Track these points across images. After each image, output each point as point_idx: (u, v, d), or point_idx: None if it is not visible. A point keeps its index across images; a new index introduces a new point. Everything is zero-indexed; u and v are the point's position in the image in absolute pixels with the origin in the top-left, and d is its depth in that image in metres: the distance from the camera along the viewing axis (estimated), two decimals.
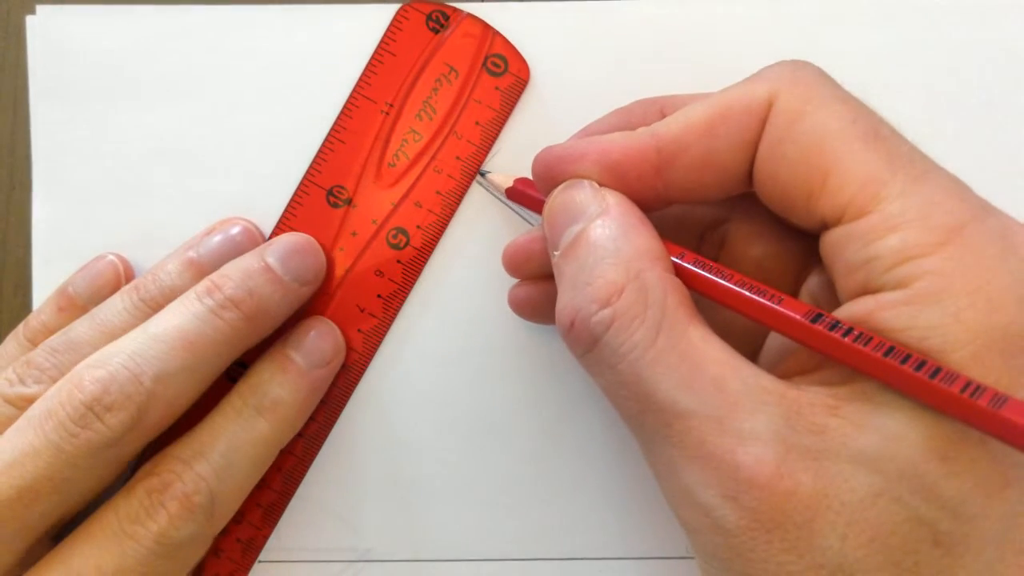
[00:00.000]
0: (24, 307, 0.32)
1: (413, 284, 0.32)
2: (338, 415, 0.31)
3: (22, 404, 0.27)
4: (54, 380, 0.28)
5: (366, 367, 0.32)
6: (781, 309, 0.22)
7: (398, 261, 0.32)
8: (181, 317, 0.27)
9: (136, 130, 0.32)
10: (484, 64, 0.32)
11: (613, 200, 0.25)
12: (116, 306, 0.29)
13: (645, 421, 0.23)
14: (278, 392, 0.29)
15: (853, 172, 0.22)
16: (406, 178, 0.32)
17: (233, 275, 0.29)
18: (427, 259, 0.32)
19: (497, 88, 0.32)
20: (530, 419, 0.31)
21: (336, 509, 0.31)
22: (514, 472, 0.31)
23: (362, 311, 0.31)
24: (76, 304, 0.30)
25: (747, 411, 0.21)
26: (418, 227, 0.32)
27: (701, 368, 0.22)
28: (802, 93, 0.23)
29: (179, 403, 0.27)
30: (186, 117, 0.32)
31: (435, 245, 0.32)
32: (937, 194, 0.21)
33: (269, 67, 0.32)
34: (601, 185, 0.25)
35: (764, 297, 0.22)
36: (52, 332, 0.30)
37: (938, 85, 0.32)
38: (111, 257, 0.31)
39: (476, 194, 0.32)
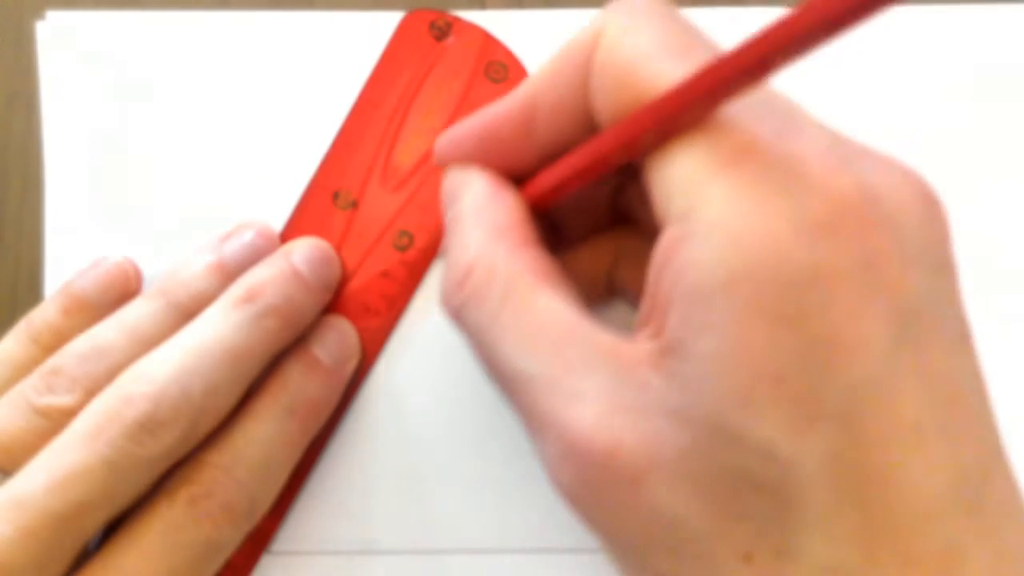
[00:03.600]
0: (38, 304, 0.32)
1: (418, 285, 0.32)
2: (344, 412, 0.32)
3: (55, 415, 0.27)
4: (86, 389, 0.27)
5: (372, 365, 0.32)
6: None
7: (403, 263, 0.32)
8: (223, 328, 0.28)
9: (146, 133, 0.33)
10: (485, 71, 0.32)
11: (476, 183, 0.25)
12: (144, 311, 0.29)
13: (502, 391, 0.23)
14: (310, 391, 0.29)
15: (659, 92, 0.21)
16: (410, 182, 0.32)
17: (269, 282, 0.29)
18: (431, 260, 0.32)
19: (498, 95, 0.32)
20: None
21: (343, 501, 0.32)
22: (519, 465, 0.32)
23: (368, 311, 0.32)
24: (84, 306, 0.30)
25: (580, 372, 0.21)
26: (422, 229, 0.32)
27: (541, 333, 0.22)
28: (622, 21, 0.22)
29: (224, 413, 0.28)
30: (196, 121, 0.33)
31: (439, 247, 0.32)
32: (738, 108, 0.20)
33: (278, 71, 0.33)
34: (481, 158, 0.26)
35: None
36: (58, 333, 0.30)
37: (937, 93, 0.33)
38: (116, 258, 0.32)
39: None
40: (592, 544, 0.32)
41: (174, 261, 0.31)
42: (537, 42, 0.33)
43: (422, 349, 0.32)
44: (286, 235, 0.32)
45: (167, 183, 0.32)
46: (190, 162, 0.33)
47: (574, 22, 0.33)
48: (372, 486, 0.32)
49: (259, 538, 0.31)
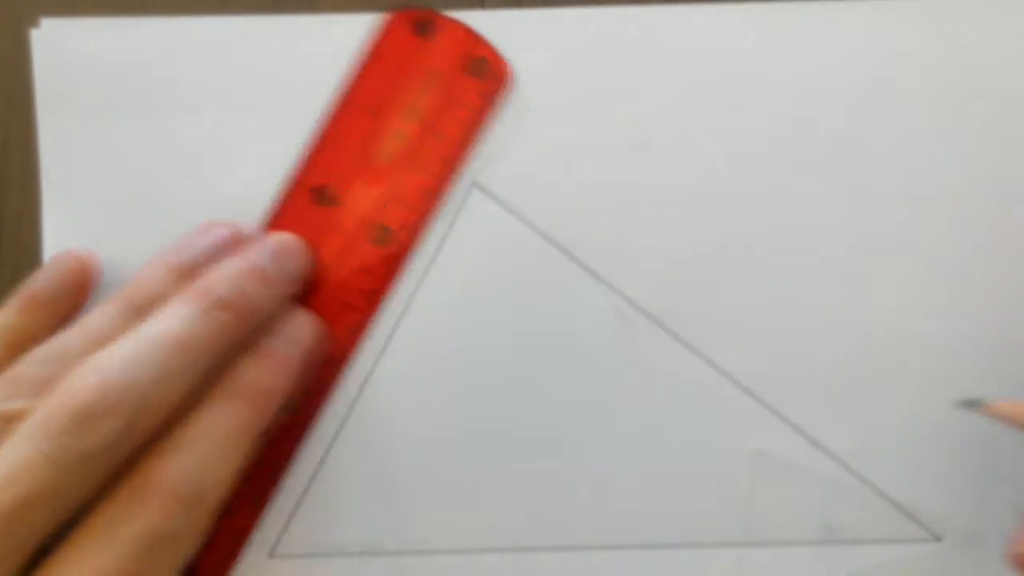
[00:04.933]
0: None
1: (396, 280, 0.32)
2: (319, 405, 0.32)
3: (15, 419, 0.27)
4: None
5: (349, 360, 0.32)
6: None
7: (382, 258, 0.32)
8: (173, 320, 0.27)
9: (142, 138, 0.33)
10: (466, 68, 0.32)
11: None
12: (106, 314, 0.29)
13: None
14: (252, 376, 0.29)
15: None
16: (390, 177, 0.32)
17: (223, 276, 0.29)
18: (411, 256, 0.32)
19: (479, 91, 0.32)
20: (530, 409, 0.32)
21: (347, 503, 0.32)
22: (518, 463, 0.32)
23: (347, 306, 0.32)
24: (39, 303, 0.31)
25: None
26: (402, 225, 0.32)
27: None
28: None
29: (172, 405, 0.27)
30: (191, 124, 0.33)
31: (418, 242, 0.32)
32: None
33: (272, 74, 0.33)
34: None
35: None
36: (17, 334, 0.30)
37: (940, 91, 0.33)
38: (74, 252, 0.32)
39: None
40: (593, 542, 0.32)
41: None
42: (537, 42, 0.33)
43: (423, 350, 0.33)
44: (267, 232, 0.32)
45: (163, 187, 0.33)
46: (187, 165, 0.33)
47: (574, 22, 0.33)
48: (373, 487, 0.32)
49: (236, 535, 0.31)
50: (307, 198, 0.32)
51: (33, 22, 0.33)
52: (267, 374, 0.29)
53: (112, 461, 0.26)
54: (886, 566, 0.32)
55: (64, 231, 0.33)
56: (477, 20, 0.33)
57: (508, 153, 0.33)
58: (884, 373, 0.33)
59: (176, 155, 0.33)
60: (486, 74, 0.33)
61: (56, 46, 0.33)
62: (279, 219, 0.32)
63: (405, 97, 0.32)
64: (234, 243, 0.31)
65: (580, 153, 0.33)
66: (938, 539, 0.32)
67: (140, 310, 0.29)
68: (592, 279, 0.33)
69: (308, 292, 0.32)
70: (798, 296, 0.33)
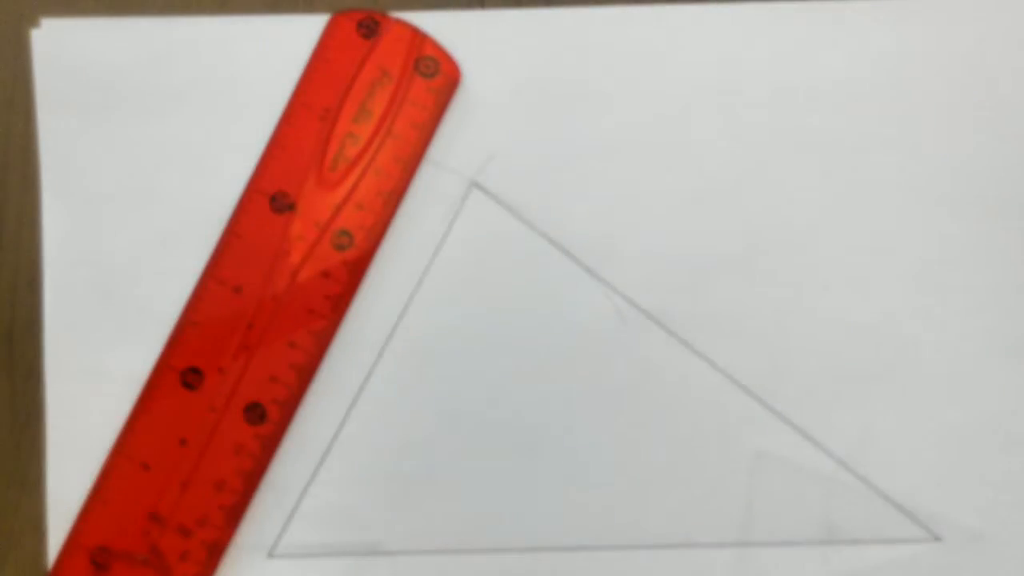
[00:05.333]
0: (37, 304, 0.33)
1: (359, 284, 0.32)
2: (292, 415, 0.32)
3: None
4: None
5: (318, 367, 0.32)
6: None
7: (344, 263, 0.32)
8: None
9: (142, 138, 0.33)
10: (416, 67, 0.32)
11: None
12: None
13: None
14: None
15: None
16: (347, 181, 0.32)
17: None
18: (372, 259, 0.32)
19: (430, 90, 0.32)
20: (530, 410, 0.32)
21: (343, 504, 0.32)
22: (518, 463, 0.32)
23: (312, 313, 0.32)
24: None
25: None
26: (361, 228, 0.32)
27: None
28: None
29: None
30: (192, 124, 0.33)
31: (379, 245, 0.32)
32: None
33: (273, 73, 0.33)
34: None
35: None
36: None
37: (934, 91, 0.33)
38: None
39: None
40: (594, 542, 0.32)
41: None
42: (537, 41, 0.33)
43: (422, 350, 0.32)
44: (227, 241, 0.32)
45: (163, 184, 0.33)
46: (186, 163, 0.33)
47: (573, 21, 0.33)
48: (371, 488, 0.32)
49: (212, 549, 0.31)
50: (265, 206, 0.32)
51: (33, 22, 0.33)
52: None
53: None
54: (886, 566, 0.32)
55: (64, 231, 0.33)
56: (477, 20, 0.33)
57: (508, 153, 0.33)
58: (884, 373, 0.32)
59: (176, 155, 0.33)
60: (436, 73, 0.32)
61: (56, 46, 0.33)
62: (239, 227, 0.32)
63: (356, 99, 0.32)
64: None
65: (579, 153, 0.33)
66: (938, 539, 0.32)
67: None
68: (592, 279, 0.32)
69: (272, 302, 0.32)
70: (798, 296, 0.33)
